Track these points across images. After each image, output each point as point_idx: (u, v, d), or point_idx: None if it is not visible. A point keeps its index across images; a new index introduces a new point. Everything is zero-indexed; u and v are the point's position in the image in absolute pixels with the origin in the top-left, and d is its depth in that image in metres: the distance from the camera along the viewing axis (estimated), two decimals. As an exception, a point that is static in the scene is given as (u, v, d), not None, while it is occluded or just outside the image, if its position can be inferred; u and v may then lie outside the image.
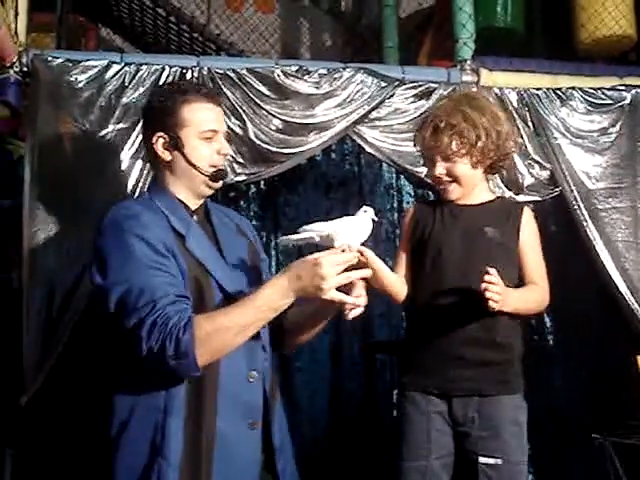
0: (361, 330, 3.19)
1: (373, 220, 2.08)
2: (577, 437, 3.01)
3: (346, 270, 1.84)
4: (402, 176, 3.23)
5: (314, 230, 2.00)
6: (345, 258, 1.84)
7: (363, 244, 2.02)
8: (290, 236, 2.04)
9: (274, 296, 1.82)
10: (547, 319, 3.25)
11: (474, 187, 2.47)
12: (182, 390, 1.89)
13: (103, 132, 2.80)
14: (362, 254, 2.01)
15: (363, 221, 2.06)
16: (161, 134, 2.04)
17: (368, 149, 3.09)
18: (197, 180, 2.07)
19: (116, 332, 1.90)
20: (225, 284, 1.98)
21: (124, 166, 2.78)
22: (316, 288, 1.80)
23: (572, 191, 3.14)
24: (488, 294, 2.13)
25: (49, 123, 2.78)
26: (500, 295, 2.13)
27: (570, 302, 3.24)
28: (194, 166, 2.04)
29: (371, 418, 2.49)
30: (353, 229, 2.02)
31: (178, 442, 1.87)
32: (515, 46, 4.26)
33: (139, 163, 2.79)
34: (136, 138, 2.79)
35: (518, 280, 2.39)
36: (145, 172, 2.77)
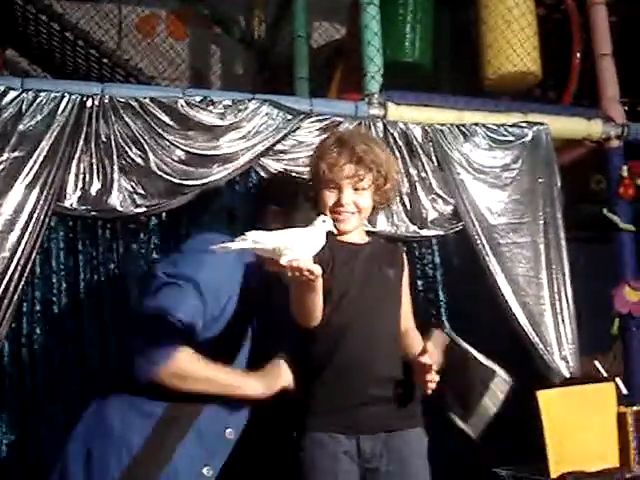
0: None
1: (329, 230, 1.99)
2: (479, 472, 3.02)
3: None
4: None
5: (259, 240, 1.85)
6: None
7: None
8: (228, 244, 1.87)
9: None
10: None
11: (362, 223, 2.52)
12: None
13: (-3, 160, 2.69)
14: (312, 273, 1.89)
15: (316, 233, 1.94)
16: None
17: (273, 182, 3.04)
18: None
19: None
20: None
21: (19, 196, 2.67)
22: None
23: (474, 226, 3.18)
24: (430, 384, 2.25)
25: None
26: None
27: (474, 337, 3.26)
28: None
29: (267, 462, 2.43)
30: (304, 243, 1.87)
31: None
32: (422, 81, 4.31)
33: (35, 192, 2.68)
34: (32, 167, 2.69)
35: None
36: (41, 202, 2.68)
